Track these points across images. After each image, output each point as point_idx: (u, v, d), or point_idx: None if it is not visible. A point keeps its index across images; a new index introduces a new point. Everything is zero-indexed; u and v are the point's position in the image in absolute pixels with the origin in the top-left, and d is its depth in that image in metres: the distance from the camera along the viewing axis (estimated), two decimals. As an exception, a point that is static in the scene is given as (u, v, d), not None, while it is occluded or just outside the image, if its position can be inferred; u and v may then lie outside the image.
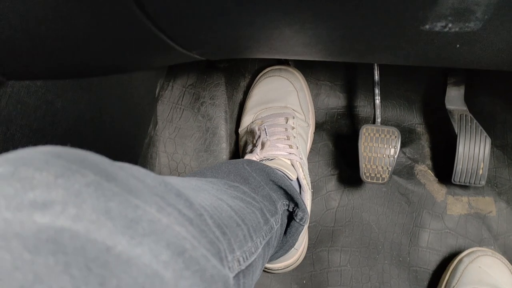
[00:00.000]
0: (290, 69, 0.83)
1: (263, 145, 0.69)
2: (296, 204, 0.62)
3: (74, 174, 0.24)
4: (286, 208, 0.62)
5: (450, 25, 0.37)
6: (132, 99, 0.63)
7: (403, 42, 0.42)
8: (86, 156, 0.26)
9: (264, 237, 0.47)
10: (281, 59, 0.86)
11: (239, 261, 0.37)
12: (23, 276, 0.19)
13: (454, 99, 0.76)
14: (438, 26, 0.38)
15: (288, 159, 0.69)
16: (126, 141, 0.68)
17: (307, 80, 0.84)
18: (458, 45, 0.41)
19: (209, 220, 0.32)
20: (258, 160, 0.68)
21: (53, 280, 0.20)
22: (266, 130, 0.71)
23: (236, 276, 0.36)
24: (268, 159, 0.68)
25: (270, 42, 0.44)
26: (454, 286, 0.67)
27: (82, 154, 0.26)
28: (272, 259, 0.69)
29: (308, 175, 0.73)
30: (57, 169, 0.24)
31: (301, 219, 0.63)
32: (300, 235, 0.68)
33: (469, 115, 0.73)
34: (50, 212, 0.22)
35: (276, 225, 0.54)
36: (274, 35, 0.42)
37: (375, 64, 0.73)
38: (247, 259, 0.39)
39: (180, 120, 0.84)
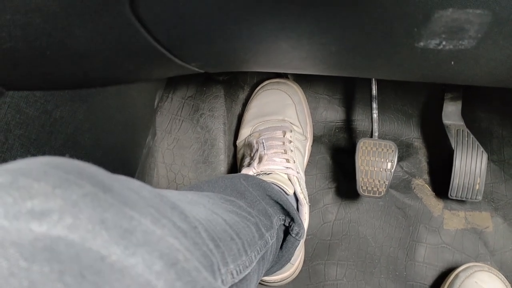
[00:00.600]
0: (288, 82, 0.83)
1: (260, 159, 0.70)
2: (292, 219, 0.62)
3: (72, 185, 0.24)
4: (282, 223, 0.62)
5: (444, 42, 0.38)
6: (130, 109, 0.63)
7: (399, 59, 0.43)
8: (83, 168, 0.26)
9: (259, 252, 0.47)
10: (280, 73, 0.87)
11: (232, 274, 0.37)
12: (18, 283, 0.20)
13: (451, 114, 0.76)
14: (433, 43, 0.38)
15: (285, 173, 0.69)
16: (124, 151, 0.68)
17: (305, 93, 0.85)
18: (452, 62, 0.42)
19: (203, 233, 0.32)
20: (255, 174, 0.68)
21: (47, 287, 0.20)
22: (264, 143, 0.71)
23: None
24: (265, 173, 0.68)
25: (267, 56, 0.45)
26: (450, 302, 0.67)
27: (79, 166, 0.26)
28: (268, 273, 0.69)
29: (305, 189, 0.73)
30: (55, 180, 0.24)
31: (297, 234, 0.63)
32: (296, 250, 0.68)
33: (466, 130, 0.74)
34: (47, 221, 0.22)
35: (271, 240, 0.54)
36: (272, 49, 0.42)
37: (373, 78, 0.73)
38: (240, 272, 0.39)
39: (179, 131, 0.85)
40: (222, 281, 0.34)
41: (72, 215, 0.23)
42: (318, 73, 0.55)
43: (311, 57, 0.45)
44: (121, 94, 0.59)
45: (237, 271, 0.38)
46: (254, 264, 0.44)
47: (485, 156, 0.71)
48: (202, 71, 0.54)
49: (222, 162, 0.84)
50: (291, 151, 0.73)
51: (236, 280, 0.38)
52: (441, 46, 0.38)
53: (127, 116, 0.63)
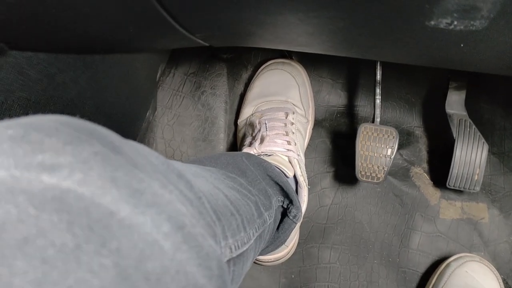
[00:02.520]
0: (293, 63, 0.82)
1: (262, 139, 0.69)
2: (291, 201, 0.62)
3: (83, 143, 0.24)
4: (281, 204, 0.62)
5: (455, 22, 0.37)
6: (133, 81, 0.63)
7: (408, 38, 0.42)
8: (94, 128, 0.26)
9: (257, 230, 0.47)
10: (284, 53, 0.86)
11: (230, 249, 0.37)
12: (27, 229, 0.20)
13: (455, 103, 0.76)
14: (443, 22, 0.38)
15: (286, 155, 0.69)
16: (124, 123, 0.67)
17: (309, 76, 0.84)
18: (462, 45, 0.41)
19: (207, 205, 0.33)
20: (256, 155, 0.68)
21: (56, 236, 0.20)
22: (266, 124, 0.71)
23: (227, 263, 0.36)
24: (266, 154, 0.68)
25: (274, 30, 0.44)
26: (441, 289, 0.67)
27: (90, 126, 0.26)
28: (262, 253, 0.69)
29: (305, 172, 0.73)
30: (66, 137, 0.24)
31: (294, 216, 0.63)
32: (292, 232, 0.68)
33: (469, 120, 0.73)
34: (57, 174, 0.22)
35: (269, 219, 0.54)
36: (279, 22, 0.42)
37: (378, 63, 0.73)
38: (238, 248, 0.39)
39: (180, 107, 0.84)
40: (221, 253, 0.35)
41: (82, 171, 0.23)
42: (324, 52, 0.54)
43: (318, 32, 0.44)
44: (124, 64, 0.58)
45: (235, 246, 0.38)
46: (252, 241, 0.44)
47: (486, 147, 0.71)
48: (206, 44, 0.53)
49: (221, 140, 0.83)
50: (293, 133, 0.72)
51: (234, 255, 0.38)
52: (452, 26, 0.38)
53: (129, 87, 0.62)
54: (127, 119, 0.67)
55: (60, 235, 0.20)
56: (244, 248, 0.41)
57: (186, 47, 0.79)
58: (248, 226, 0.43)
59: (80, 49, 0.46)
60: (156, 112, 0.83)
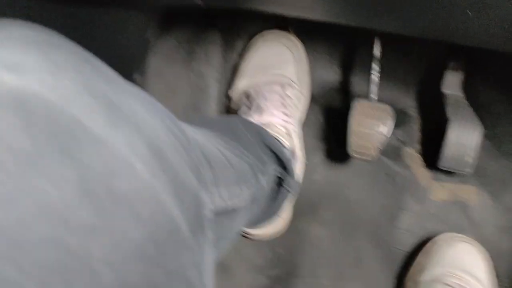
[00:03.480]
0: (290, 36, 0.80)
1: (259, 110, 0.67)
2: (287, 171, 0.61)
3: (55, 49, 0.22)
4: (276, 173, 0.61)
5: (464, -14, 0.36)
6: (120, 38, 0.60)
7: (412, 3, 0.41)
8: (70, 41, 0.24)
9: (251, 189, 0.46)
10: (280, 25, 0.84)
11: (223, 199, 0.35)
12: None
13: (452, 84, 0.75)
14: (452, -14, 0.36)
15: (284, 127, 0.67)
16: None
17: (306, 51, 0.82)
18: (468, 11, 0.40)
19: (195, 146, 0.31)
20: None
21: (13, 139, 0.18)
22: (264, 95, 0.69)
23: (218, 214, 0.35)
24: (263, 125, 0.67)
25: (274, -12, 0.42)
26: (427, 268, 0.67)
27: (65, 38, 0.24)
28: (256, 223, 0.68)
29: (303, 146, 0.71)
30: (36, 40, 0.21)
31: (289, 186, 0.62)
32: (286, 205, 0.67)
33: (465, 101, 0.72)
34: (21, 74, 0.20)
35: (264, 183, 0.53)
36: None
37: (376, 38, 0.71)
38: (230, 199, 0.37)
39: (171, 74, 0.82)
40: (211, 199, 0.33)
41: (52, 74, 0.20)
42: (324, 18, 0.52)
43: (320, -7, 0.42)
44: (111, 20, 0.56)
45: (227, 197, 0.37)
46: (246, 199, 0.43)
47: (480, 129, 0.70)
48: (199, 2, 0.51)
49: (213, 111, 0.82)
50: (290, 106, 0.71)
51: (224, 206, 0.36)
52: (461, -10, 0.36)
53: (116, 46, 0.60)
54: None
55: (19, 139, 0.18)
56: (237, 202, 0.40)
57: (181, 12, 0.77)
58: (242, 182, 0.42)
59: (68, -2, 0.44)
60: (145, 78, 0.81)
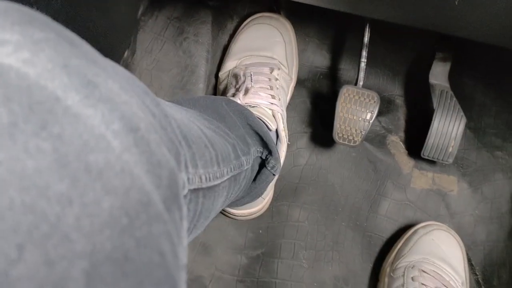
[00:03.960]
0: (281, 18, 0.80)
1: (246, 91, 0.68)
2: (270, 152, 0.61)
3: (34, 28, 0.22)
4: (259, 155, 0.61)
5: (454, -24, 0.36)
6: (111, 14, 0.60)
7: (403, -9, 0.41)
8: (50, 21, 0.24)
9: (232, 170, 0.46)
10: (272, 8, 0.84)
11: (201, 178, 0.36)
12: None
13: (439, 74, 0.75)
14: (442, -25, 0.36)
15: (270, 109, 0.68)
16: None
17: (296, 34, 0.82)
18: (456, 2, 0.40)
19: (174, 125, 0.31)
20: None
21: None
22: (252, 76, 0.69)
23: (195, 192, 0.35)
24: (250, 105, 0.67)
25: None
26: (405, 254, 0.69)
27: (46, 17, 0.24)
28: (238, 204, 0.68)
29: (287, 127, 0.72)
30: (15, 18, 0.21)
31: (272, 168, 0.62)
32: (268, 186, 0.67)
33: (450, 92, 0.73)
34: None
35: (246, 165, 0.53)
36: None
37: (367, 25, 0.71)
38: (210, 180, 0.38)
39: (160, 52, 0.81)
40: (188, 179, 0.33)
41: (30, 51, 0.21)
42: (317, 3, 0.52)
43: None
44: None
45: (206, 178, 0.37)
46: (225, 179, 0.43)
47: (463, 120, 0.71)
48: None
49: (200, 90, 0.81)
50: (277, 88, 0.71)
51: (204, 186, 0.37)
52: (450, -20, 0.37)
53: (107, 21, 0.59)
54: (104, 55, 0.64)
55: None
56: (216, 182, 0.40)
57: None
58: (223, 163, 0.42)
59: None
60: (135, 55, 0.80)
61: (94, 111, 0.21)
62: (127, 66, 0.79)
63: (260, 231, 0.76)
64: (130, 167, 0.22)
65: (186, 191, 0.33)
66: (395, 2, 0.44)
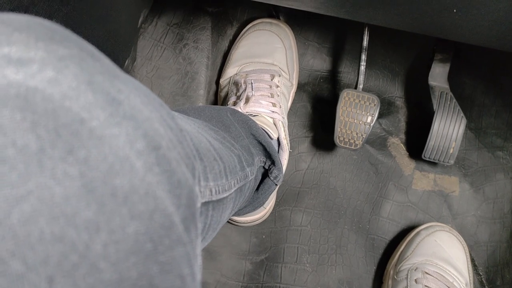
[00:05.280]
0: (281, 24, 0.80)
1: (247, 99, 0.68)
2: (273, 162, 0.61)
3: (57, 43, 0.22)
4: (262, 165, 0.62)
5: (451, -15, 0.36)
6: (112, 24, 0.60)
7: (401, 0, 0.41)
8: (71, 34, 0.24)
9: (238, 182, 0.46)
10: (272, 13, 0.84)
11: (211, 191, 0.36)
12: None
13: (438, 75, 0.76)
14: (439, -16, 0.37)
15: (271, 117, 0.68)
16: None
17: (295, 38, 0.82)
18: (454, 10, 0.40)
19: (188, 138, 0.31)
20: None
21: (18, 135, 0.18)
22: (252, 84, 0.69)
23: (205, 205, 0.36)
24: (251, 114, 0.67)
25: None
26: (408, 256, 0.69)
27: (66, 30, 0.24)
28: (240, 213, 0.69)
29: (288, 135, 0.72)
30: (39, 34, 0.22)
31: (275, 178, 0.62)
32: (271, 194, 0.67)
33: (450, 93, 0.73)
34: (25, 70, 0.20)
35: (251, 175, 0.53)
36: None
37: (366, 28, 0.71)
38: (219, 192, 0.38)
39: (160, 59, 0.82)
40: (200, 192, 0.33)
41: (55, 69, 0.21)
42: (314, 9, 0.52)
43: (310, -14, 0.43)
44: (104, 6, 0.56)
45: (216, 191, 0.37)
46: (233, 192, 0.44)
47: (464, 121, 0.72)
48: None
49: (201, 97, 0.82)
50: (278, 96, 0.71)
51: (214, 199, 0.37)
52: (447, -11, 0.37)
53: (108, 30, 0.59)
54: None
55: (23, 135, 0.18)
56: (225, 195, 0.40)
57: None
58: (230, 175, 0.42)
59: (57, -17, 0.44)
60: (135, 63, 0.80)
61: (118, 130, 0.22)
62: (127, 73, 0.79)
63: (264, 236, 0.77)
64: (153, 189, 0.22)
65: (198, 205, 0.34)
66: (394, 10, 0.45)
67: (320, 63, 0.85)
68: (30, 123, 0.19)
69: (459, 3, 0.38)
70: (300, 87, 0.83)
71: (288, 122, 0.81)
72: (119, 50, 0.68)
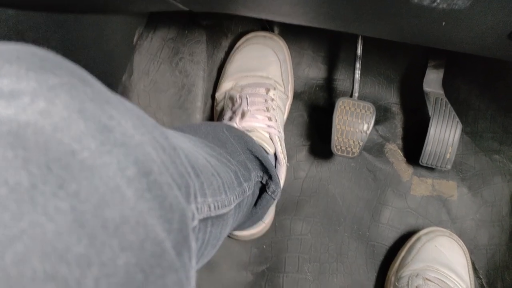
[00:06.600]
0: (274, 37, 0.81)
1: (243, 114, 0.68)
2: (270, 177, 0.62)
3: (48, 72, 0.22)
4: (260, 180, 0.62)
5: (438, 0, 0.37)
6: (108, 43, 0.61)
7: (390, 13, 0.42)
8: (62, 60, 0.24)
9: (237, 197, 0.47)
10: (265, 25, 0.85)
11: (209, 207, 0.36)
12: None
13: (432, 82, 0.76)
14: (427, 0, 0.37)
15: (267, 132, 0.68)
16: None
17: (290, 48, 0.83)
18: (444, 23, 0.41)
19: (183, 157, 0.31)
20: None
21: (10, 174, 0.19)
22: (247, 99, 0.69)
23: (204, 221, 0.36)
24: (247, 130, 0.67)
25: (256, -3, 0.43)
26: (408, 262, 0.69)
27: (57, 57, 0.24)
28: (239, 229, 0.69)
29: (285, 149, 0.72)
30: (29, 64, 0.22)
31: (273, 192, 0.63)
32: (270, 208, 0.68)
33: (445, 99, 0.74)
34: (16, 103, 0.20)
35: (248, 191, 0.54)
36: (261, -10, 0.41)
37: (359, 37, 0.72)
38: (218, 208, 0.38)
39: (157, 73, 0.82)
40: (197, 209, 0.33)
41: (46, 99, 0.21)
42: (307, 24, 0.53)
43: (301, 3, 0.43)
44: (99, 26, 0.56)
45: (215, 206, 0.37)
46: (232, 207, 0.44)
47: (459, 126, 0.72)
48: (186, 8, 0.52)
49: (198, 109, 0.82)
50: (273, 109, 0.71)
51: (213, 214, 0.37)
52: (435, 4, 0.37)
53: (104, 50, 0.60)
54: (102, 82, 0.65)
55: (15, 173, 0.19)
56: (224, 211, 0.40)
57: (165, 11, 0.77)
58: (229, 191, 0.43)
59: (52, 7, 0.44)
60: (132, 77, 0.81)
61: (109, 158, 0.22)
62: (125, 88, 0.80)
63: (264, 246, 0.77)
64: (144, 217, 0.22)
65: (195, 222, 0.34)
66: (384, 24, 0.45)
67: (316, 71, 0.85)
68: (21, 160, 0.19)
69: (447, 17, 0.39)
70: (296, 96, 0.84)
71: (285, 131, 0.81)
72: (115, 68, 0.69)
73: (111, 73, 0.69)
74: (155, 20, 0.82)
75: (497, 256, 0.76)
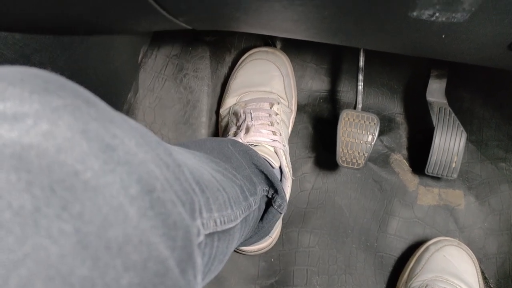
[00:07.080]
0: (277, 52, 0.82)
1: (247, 129, 0.68)
2: (276, 191, 0.62)
3: (51, 94, 0.22)
4: (265, 194, 0.62)
5: (437, 14, 0.38)
6: (113, 63, 0.62)
7: (390, 28, 0.42)
8: (65, 81, 0.25)
9: (243, 212, 0.47)
10: (267, 40, 0.86)
11: (215, 222, 0.36)
12: None
13: (435, 91, 0.76)
14: (426, 14, 0.38)
15: (272, 146, 0.69)
16: (104, 105, 0.66)
17: (293, 61, 0.83)
18: (443, 36, 0.41)
19: (187, 173, 0.31)
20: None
21: (14, 197, 0.19)
22: (251, 114, 0.70)
23: (211, 236, 0.36)
24: (252, 144, 0.68)
25: (258, 15, 0.44)
26: (418, 273, 0.69)
27: (61, 79, 0.25)
28: (246, 244, 0.69)
29: (290, 162, 0.73)
30: (33, 87, 0.22)
31: (279, 206, 0.63)
32: (276, 224, 0.68)
33: (448, 108, 0.74)
34: (19, 126, 0.20)
35: (254, 205, 0.54)
36: (263, 8, 0.41)
37: (361, 50, 0.73)
38: (225, 223, 0.38)
39: (162, 90, 0.83)
40: (203, 224, 0.34)
41: (49, 121, 0.21)
42: (309, 39, 0.54)
43: (303, 20, 0.44)
44: (104, 46, 0.57)
45: (221, 221, 0.37)
46: (239, 222, 0.44)
47: (464, 135, 0.72)
48: (189, 27, 0.52)
49: (203, 124, 0.83)
50: (278, 123, 0.72)
51: (219, 229, 0.37)
52: (434, 18, 0.38)
53: (109, 69, 0.61)
54: (108, 102, 0.66)
55: (18, 197, 0.19)
56: (231, 225, 0.41)
57: (169, 30, 0.78)
58: (235, 205, 0.43)
59: (58, 30, 0.45)
60: (137, 95, 0.82)
61: (113, 178, 0.22)
62: (130, 106, 0.81)
63: (272, 260, 0.77)
64: (147, 236, 0.22)
65: (201, 238, 0.34)
66: (385, 38, 0.46)
67: (319, 84, 0.86)
68: (25, 183, 0.19)
69: (446, 30, 0.40)
70: (300, 108, 0.84)
71: (290, 143, 0.82)
72: (121, 86, 0.70)
73: (117, 91, 0.70)
74: (159, 38, 0.83)
75: (506, 264, 0.75)
